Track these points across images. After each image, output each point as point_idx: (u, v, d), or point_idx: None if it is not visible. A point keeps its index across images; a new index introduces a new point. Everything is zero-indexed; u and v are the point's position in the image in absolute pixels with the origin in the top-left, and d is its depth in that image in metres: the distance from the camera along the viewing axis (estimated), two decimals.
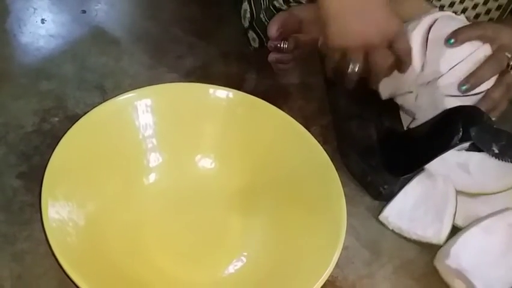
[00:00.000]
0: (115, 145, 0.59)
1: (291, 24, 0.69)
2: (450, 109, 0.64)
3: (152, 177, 0.62)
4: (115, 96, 0.61)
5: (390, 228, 0.63)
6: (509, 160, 0.63)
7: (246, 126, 0.64)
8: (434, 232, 0.61)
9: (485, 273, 0.57)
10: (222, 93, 0.64)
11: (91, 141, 0.57)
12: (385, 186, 0.64)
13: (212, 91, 0.64)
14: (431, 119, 0.65)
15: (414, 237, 0.62)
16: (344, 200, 0.56)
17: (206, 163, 0.64)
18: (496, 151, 0.63)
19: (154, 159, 0.62)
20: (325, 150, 0.60)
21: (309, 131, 0.62)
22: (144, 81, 0.65)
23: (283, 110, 0.64)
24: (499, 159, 0.65)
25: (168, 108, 0.63)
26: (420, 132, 0.65)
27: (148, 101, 0.62)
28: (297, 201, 0.59)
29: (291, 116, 0.63)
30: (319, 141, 0.61)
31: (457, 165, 0.66)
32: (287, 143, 0.62)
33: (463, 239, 0.59)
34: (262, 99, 0.64)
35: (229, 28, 0.84)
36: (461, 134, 0.61)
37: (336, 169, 0.59)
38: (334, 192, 0.57)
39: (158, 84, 0.63)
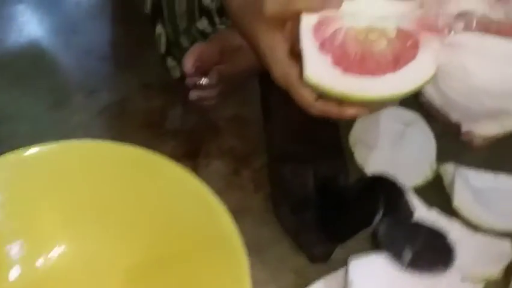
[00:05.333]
0: None
1: (209, 55, 0.61)
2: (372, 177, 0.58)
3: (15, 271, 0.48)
4: None
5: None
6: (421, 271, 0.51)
7: (131, 193, 0.49)
8: None
9: None
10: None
11: None
12: (318, 248, 0.54)
13: None
14: (360, 181, 0.58)
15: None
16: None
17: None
18: (407, 258, 0.51)
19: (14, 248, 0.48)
20: (256, 198, 0.55)
21: (240, 176, 0.56)
22: (45, 127, 0.56)
23: (211, 150, 0.57)
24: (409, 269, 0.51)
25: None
26: (352, 194, 0.57)
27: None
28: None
29: (220, 159, 0.57)
30: (250, 188, 0.55)
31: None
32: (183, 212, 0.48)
33: None
34: (188, 138, 0.59)
35: (154, 52, 0.75)
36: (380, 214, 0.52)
37: (268, 222, 0.52)
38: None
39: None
